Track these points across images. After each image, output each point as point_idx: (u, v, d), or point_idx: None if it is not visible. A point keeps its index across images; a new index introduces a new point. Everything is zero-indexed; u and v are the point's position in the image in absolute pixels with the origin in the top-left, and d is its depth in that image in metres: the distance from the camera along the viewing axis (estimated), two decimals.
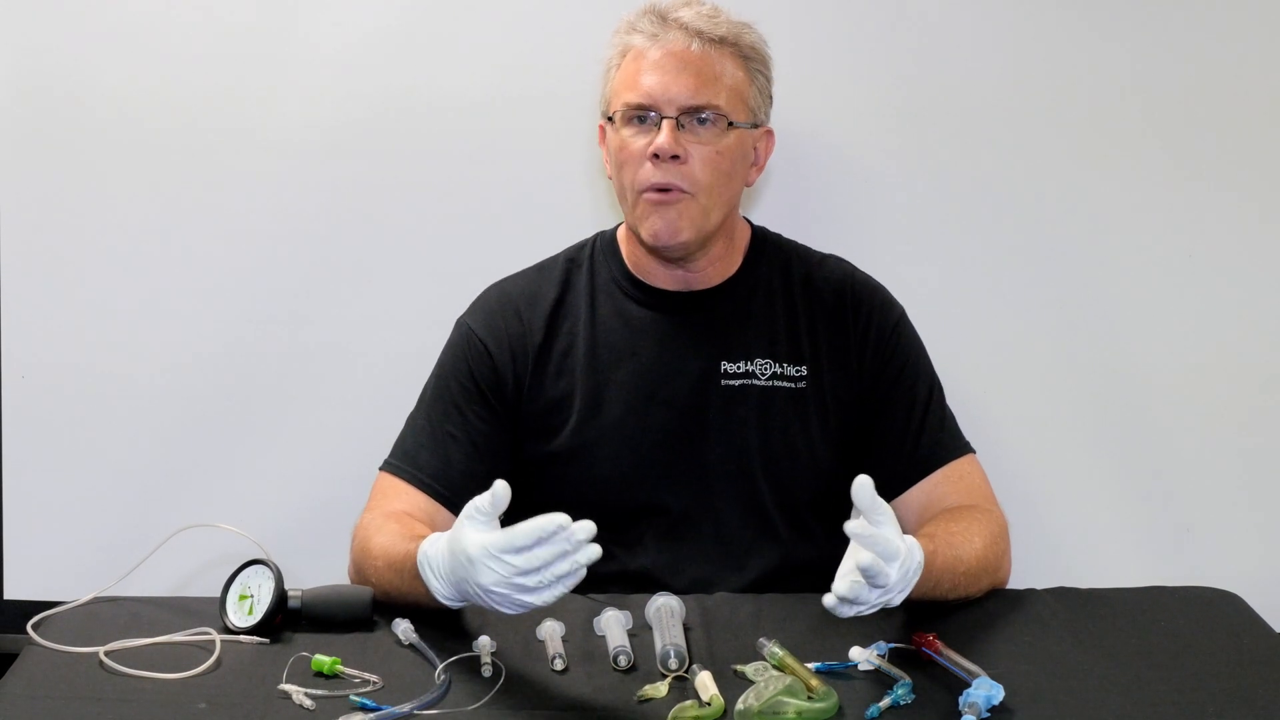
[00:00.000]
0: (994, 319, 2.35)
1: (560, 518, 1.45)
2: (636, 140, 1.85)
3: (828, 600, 1.51)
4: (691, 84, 1.83)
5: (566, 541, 1.45)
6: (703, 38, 1.84)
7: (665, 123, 1.83)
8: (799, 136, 2.26)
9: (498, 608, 1.52)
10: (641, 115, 1.85)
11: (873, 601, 1.52)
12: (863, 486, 1.50)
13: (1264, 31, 2.28)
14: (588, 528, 1.45)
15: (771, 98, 1.93)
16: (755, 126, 1.90)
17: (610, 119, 1.88)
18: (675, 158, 1.82)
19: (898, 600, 1.55)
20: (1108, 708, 1.47)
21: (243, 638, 1.61)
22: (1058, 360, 2.35)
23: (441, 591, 1.58)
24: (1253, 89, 2.29)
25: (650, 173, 1.84)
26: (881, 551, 1.50)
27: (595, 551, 1.46)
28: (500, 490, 1.50)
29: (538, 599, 1.49)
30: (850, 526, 1.49)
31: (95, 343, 2.37)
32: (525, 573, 1.47)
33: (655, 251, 1.90)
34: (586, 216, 2.29)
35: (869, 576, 1.49)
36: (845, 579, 1.51)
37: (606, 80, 1.91)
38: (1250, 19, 2.28)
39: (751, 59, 1.89)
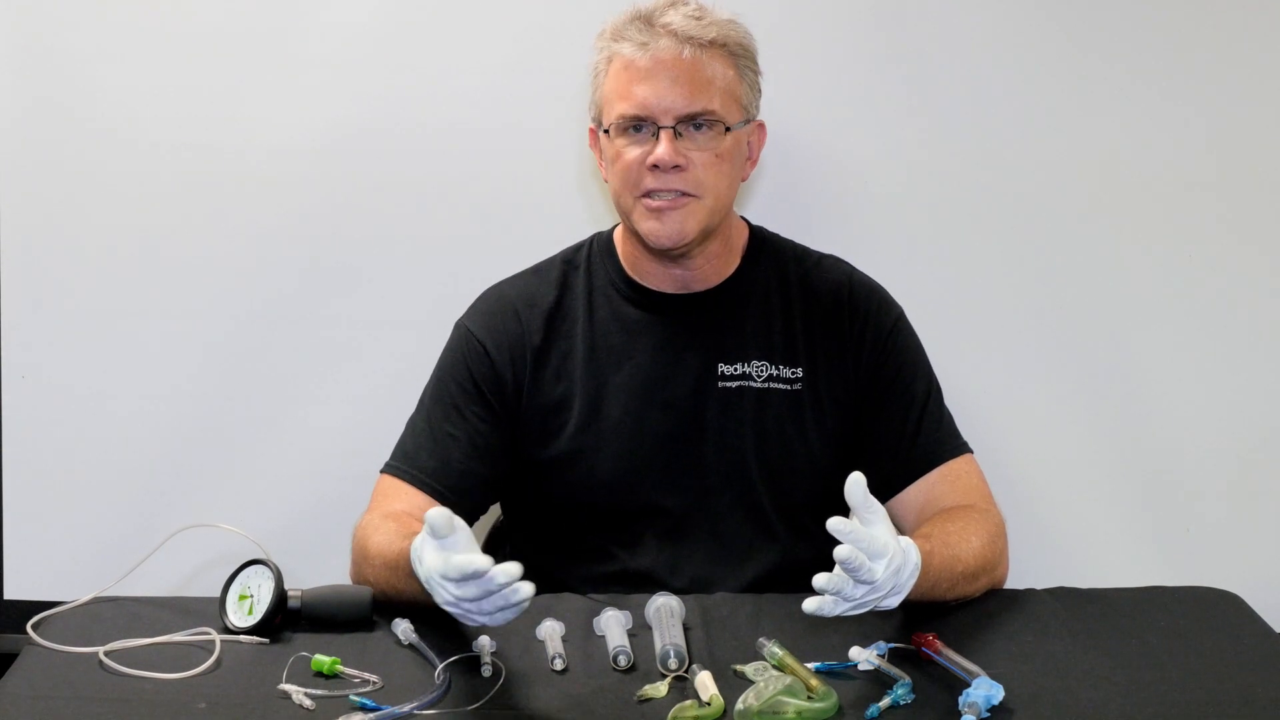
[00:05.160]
0: (993, 318, 2.35)
1: (478, 563, 1.43)
2: (633, 150, 1.84)
3: (807, 605, 1.49)
4: (686, 92, 1.82)
5: (491, 584, 1.44)
6: (693, 43, 1.83)
7: (663, 133, 1.82)
8: (797, 134, 2.26)
9: (461, 620, 1.52)
10: (637, 125, 1.84)
11: (859, 599, 1.50)
12: (855, 484, 1.49)
13: (1266, 31, 2.28)
14: (509, 573, 1.43)
15: (760, 89, 1.92)
16: (748, 123, 1.90)
17: (605, 130, 1.87)
18: (676, 167, 1.82)
19: (894, 602, 1.55)
20: (1108, 708, 1.47)
21: (243, 638, 1.61)
22: (1058, 360, 2.36)
23: None
24: (1253, 86, 2.29)
25: (651, 181, 1.83)
26: (866, 548, 1.48)
27: (527, 591, 1.45)
28: (433, 519, 1.45)
29: (489, 621, 1.49)
30: (831, 523, 1.46)
31: (95, 343, 2.37)
32: (465, 600, 1.47)
33: (655, 250, 1.89)
34: (583, 217, 2.30)
35: (849, 569, 1.47)
36: (825, 574, 1.49)
37: (595, 87, 1.90)
38: (1249, 20, 2.28)
39: (740, 56, 1.88)
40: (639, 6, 1.87)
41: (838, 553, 1.46)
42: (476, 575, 1.44)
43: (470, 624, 1.53)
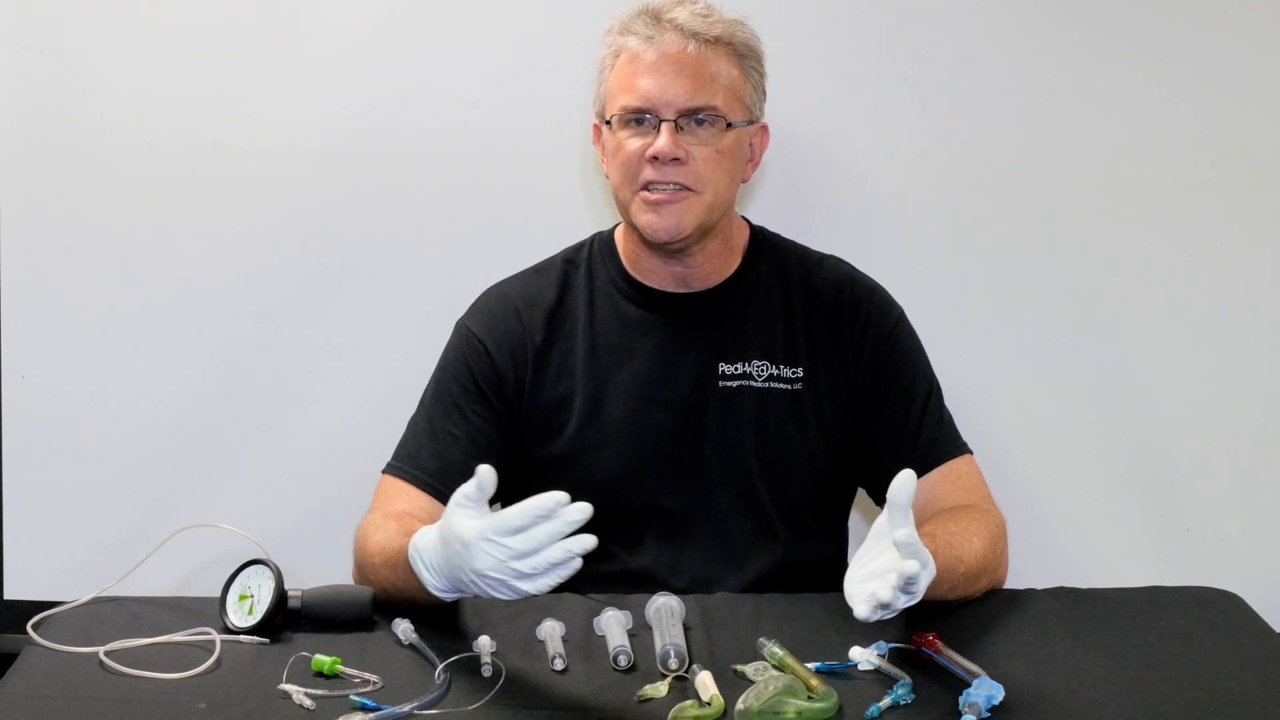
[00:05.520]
0: (994, 318, 2.35)
1: (559, 495, 1.44)
2: (634, 142, 1.85)
3: (862, 611, 1.49)
4: (689, 86, 1.83)
5: (563, 522, 1.44)
6: (698, 39, 1.84)
7: (664, 126, 1.83)
8: (798, 135, 2.26)
9: (492, 593, 1.50)
10: (639, 118, 1.85)
11: (898, 607, 1.51)
12: (906, 483, 1.48)
13: (1266, 31, 2.28)
14: (583, 509, 1.43)
15: (765, 93, 1.93)
16: (751, 123, 1.90)
17: (608, 122, 1.88)
18: (675, 160, 1.82)
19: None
20: (1108, 708, 1.47)
21: (243, 638, 1.61)
22: (1058, 360, 2.35)
23: (433, 583, 1.58)
24: (1254, 86, 2.29)
25: (650, 173, 1.84)
26: (922, 559, 1.50)
27: (589, 541, 1.44)
28: (485, 474, 1.48)
29: (531, 586, 1.47)
30: (899, 536, 1.48)
31: (95, 343, 2.37)
32: (520, 556, 1.45)
33: (654, 245, 1.89)
34: (584, 216, 2.29)
35: (908, 583, 1.49)
36: (885, 583, 1.49)
37: (600, 81, 1.90)
38: (1254, 25, 2.28)
39: (746, 56, 1.89)
40: (648, 3, 1.88)
41: (906, 568, 1.47)
42: (544, 514, 1.43)
43: (504, 596, 1.49)
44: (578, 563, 1.46)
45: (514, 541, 1.45)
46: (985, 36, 2.29)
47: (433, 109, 2.31)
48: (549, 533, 1.44)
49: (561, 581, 1.47)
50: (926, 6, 2.29)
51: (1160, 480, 2.37)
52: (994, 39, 2.29)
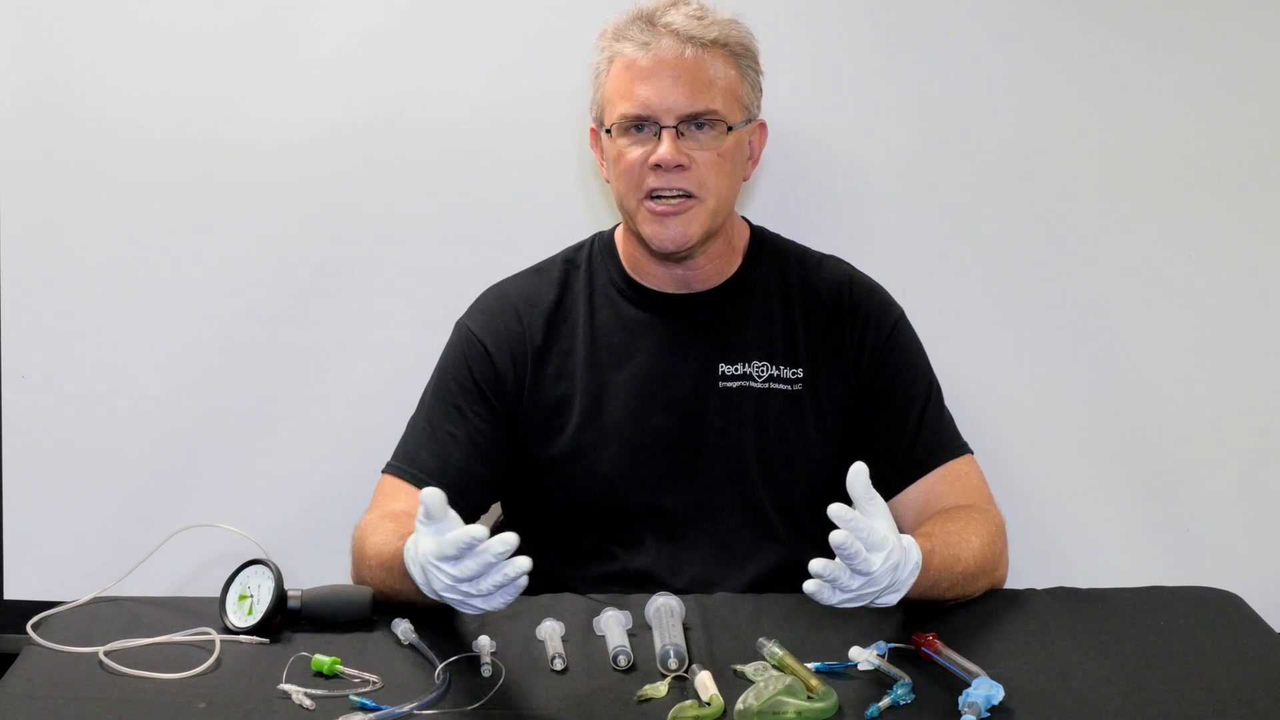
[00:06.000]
0: (993, 318, 2.35)
1: (474, 532, 1.44)
2: (635, 150, 1.84)
3: (808, 586, 1.49)
4: (688, 92, 1.82)
5: (488, 554, 1.44)
6: (695, 42, 1.83)
7: (665, 133, 1.82)
8: (797, 134, 2.26)
9: (460, 609, 1.52)
10: (639, 125, 1.84)
11: (856, 590, 1.50)
12: (857, 474, 1.48)
13: (1266, 34, 2.28)
14: (506, 541, 1.43)
15: (761, 89, 1.92)
16: (749, 122, 1.90)
17: (607, 130, 1.87)
18: (679, 166, 1.82)
19: (893, 599, 1.55)
20: (1108, 708, 1.47)
21: (243, 638, 1.61)
22: (1057, 360, 2.35)
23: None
24: (1255, 86, 2.29)
25: (654, 180, 1.83)
26: (865, 538, 1.47)
27: (523, 564, 1.45)
28: (428, 497, 1.48)
29: (486, 605, 1.49)
30: (832, 509, 1.46)
31: (95, 343, 2.37)
32: (462, 580, 1.47)
33: (658, 252, 1.89)
34: (583, 217, 2.30)
35: (845, 556, 1.46)
36: (821, 559, 1.49)
37: (596, 87, 1.90)
38: (1251, 23, 2.28)
39: (742, 56, 1.88)
40: (641, 6, 1.87)
41: (833, 538, 1.46)
42: (472, 547, 1.44)
43: (469, 612, 1.52)
44: (523, 581, 1.47)
45: (452, 569, 1.47)
46: (985, 36, 2.29)
47: (433, 109, 2.31)
48: (480, 563, 1.45)
49: (514, 598, 1.49)
50: (926, 6, 2.29)
51: (1160, 480, 2.37)
52: (993, 39, 2.29)
